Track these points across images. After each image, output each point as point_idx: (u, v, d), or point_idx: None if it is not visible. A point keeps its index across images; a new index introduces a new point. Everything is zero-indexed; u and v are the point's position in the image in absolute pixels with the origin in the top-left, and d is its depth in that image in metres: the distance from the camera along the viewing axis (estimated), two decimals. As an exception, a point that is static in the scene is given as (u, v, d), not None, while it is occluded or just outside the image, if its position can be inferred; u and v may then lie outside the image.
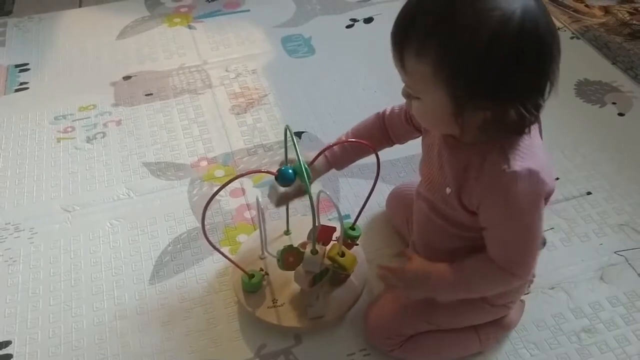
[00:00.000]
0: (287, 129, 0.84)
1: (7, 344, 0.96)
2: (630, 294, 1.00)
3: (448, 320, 0.89)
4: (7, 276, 1.05)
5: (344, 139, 0.96)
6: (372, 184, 0.94)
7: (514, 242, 0.75)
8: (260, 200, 0.96)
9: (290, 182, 0.83)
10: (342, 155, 0.95)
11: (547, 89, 0.68)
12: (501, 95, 0.65)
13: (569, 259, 1.06)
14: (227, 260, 0.99)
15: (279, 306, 0.94)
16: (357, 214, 0.99)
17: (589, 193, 1.18)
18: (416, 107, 0.73)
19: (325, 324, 0.93)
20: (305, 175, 0.80)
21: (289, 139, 0.84)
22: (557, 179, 1.18)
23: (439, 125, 0.75)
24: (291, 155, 0.86)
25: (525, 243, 0.75)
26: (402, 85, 0.72)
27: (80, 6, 1.80)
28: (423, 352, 0.90)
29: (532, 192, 0.71)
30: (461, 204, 0.76)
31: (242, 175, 0.91)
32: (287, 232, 1.05)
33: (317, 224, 0.85)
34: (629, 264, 1.05)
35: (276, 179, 0.83)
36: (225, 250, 1.07)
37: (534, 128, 0.73)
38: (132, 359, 0.93)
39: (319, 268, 0.86)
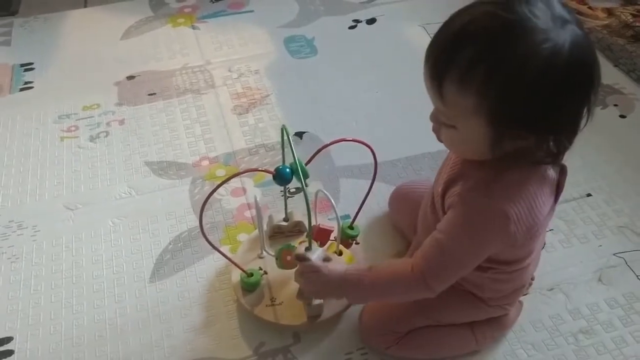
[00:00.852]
0: (283, 129, 0.85)
1: (8, 339, 0.97)
2: (629, 295, 1.00)
3: (442, 317, 0.89)
4: (10, 273, 1.06)
5: None
6: (375, 184, 0.95)
7: (444, 258, 0.74)
8: (258, 199, 0.97)
9: (287, 181, 0.84)
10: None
11: (585, 120, 0.67)
12: (542, 126, 0.65)
13: (567, 261, 1.06)
14: (226, 260, 1.01)
15: (278, 305, 0.95)
16: (364, 215, 0.99)
17: (589, 195, 1.18)
18: (449, 135, 0.71)
19: (323, 323, 0.94)
20: (302, 175, 0.81)
21: (285, 139, 0.85)
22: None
23: (469, 152, 0.73)
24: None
25: (452, 267, 0.75)
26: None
27: (85, 6, 1.82)
28: (419, 349, 0.91)
29: (493, 231, 0.71)
30: (443, 205, 0.76)
31: (239, 174, 0.93)
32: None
33: (312, 224, 0.85)
34: (628, 265, 1.05)
35: (274, 178, 0.84)
36: (225, 249, 1.08)
37: (545, 175, 0.73)
38: (131, 356, 0.94)
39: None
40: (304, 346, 0.94)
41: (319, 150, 0.90)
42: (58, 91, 1.48)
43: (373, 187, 0.99)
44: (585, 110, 0.66)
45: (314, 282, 0.83)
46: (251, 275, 0.96)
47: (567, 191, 1.17)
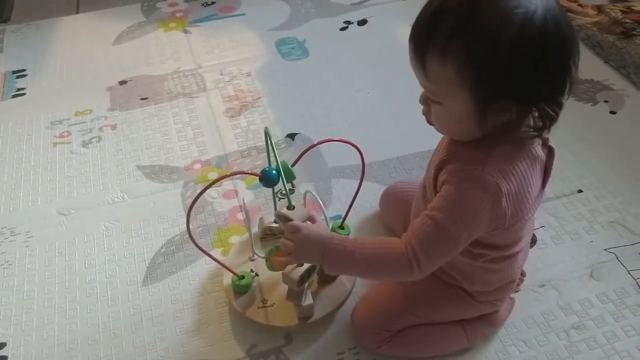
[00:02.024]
0: (266, 131, 0.86)
1: (1, 345, 0.97)
2: (620, 291, 1.01)
3: (432, 315, 0.90)
4: (3, 279, 1.07)
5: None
6: (366, 184, 0.96)
7: (436, 236, 0.72)
8: (249, 202, 0.98)
9: (273, 183, 0.85)
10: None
11: (568, 88, 0.68)
12: (526, 95, 0.65)
13: (559, 257, 1.06)
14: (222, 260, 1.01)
15: (269, 306, 0.95)
16: (357, 216, 1.00)
17: (580, 191, 1.18)
18: (437, 112, 0.72)
19: (314, 324, 0.94)
20: (283, 175, 0.82)
21: (268, 141, 0.85)
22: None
23: (458, 130, 0.73)
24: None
25: (443, 246, 0.73)
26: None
27: (77, 12, 1.82)
28: (410, 347, 0.91)
29: (485, 203, 0.70)
30: (435, 187, 0.76)
31: (223, 178, 0.93)
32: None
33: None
34: (619, 261, 1.05)
35: (260, 180, 0.85)
36: (217, 251, 1.09)
37: (535, 153, 0.73)
38: (122, 358, 0.94)
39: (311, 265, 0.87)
40: (295, 347, 0.95)
41: (305, 151, 0.90)
42: (50, 97, 1.49)
43: (365, 186, 0.99)
44: (567, 79, 0.67)
45: (295, 242, 0.78)
46: (242, 277, 0.96)
47: (558, 187, 1.18)
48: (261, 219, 1.06)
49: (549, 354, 0.93)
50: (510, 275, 0.88)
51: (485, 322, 0.93)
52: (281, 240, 0.81)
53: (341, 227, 1.02)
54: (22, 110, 1.45)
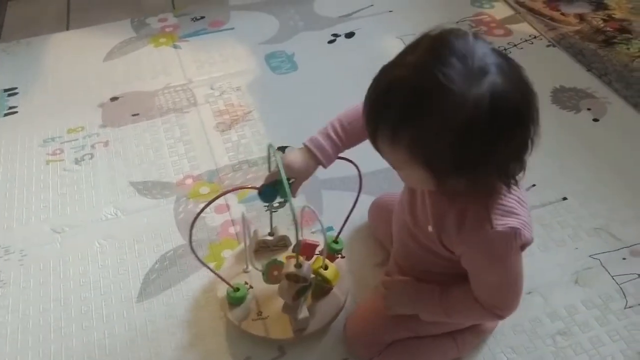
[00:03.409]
0: (269, 148, 0.87)
1: (-2, 364, 0.98)
2: (604, 296, 1.03)
3: (425, 328, 0.92)
4: (-2, 298, 1.08)
5: (333, 125, 0.93)
6: (354, 196, 0.98)
7: (498, 291, 0.80)
8: (245, 215, 1.00)
9: (273, 198, 0.87)
10: (333, 150, 0.91)
11: (529, 149, 0.69)
12: (481, 167, 0.67)
13: (545, 264, 1.08)
14: (212, 276, 1.04)
15: (264, 318, 0.97)
16: (339, 227, 1.02)
17: (564, 198, 1.21)
18: (403, 176, 0.77)
19: (309, 336, 0.96)
20: (289, 192, 0.83)
21: (278, 159, 0.86)
22: (534, 185, 1.22)
23: (424, 188, 0.78)
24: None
25: (509, 290, 0.80)
26: None
27: (67, 29, 1.84)
28: (402, 358, 0.93)
29: (514, 247, 0.74)
30: (442, 243, 0.79)
31: (227, 192, 0.94)
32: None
33: (300, 239, 0.88)
34: (603, 267, 1.08)
35: (259, 194, 0.87)
36: (210, 266, 1.10)
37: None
38: (120, 376, 0.96)
39: (309, 281, 0.89)
40: (289, 359, 0.96)
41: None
42: (42, 115, 1.50)
43: (354, 198, 1.01)
44: (526, 143, 0.68)
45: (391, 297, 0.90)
46: (237, 290, 0.98)
47: (544, 195, 1.21)
48: (255, 232, 1.08)
49: (535, 359, 0.95)
50: None
51: (474, 332, 0.95)
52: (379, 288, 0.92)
53: (335, 241, 1.04)
54: (15, 129, 1.46)
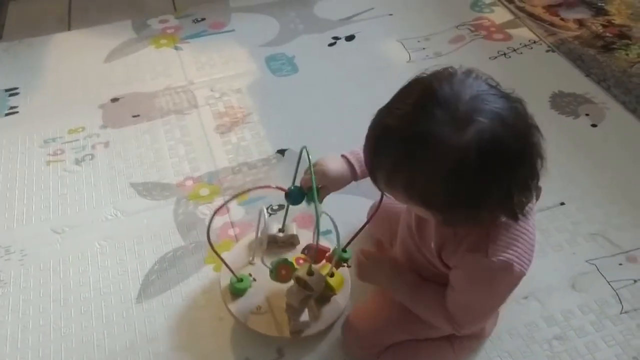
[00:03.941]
0: (302, 149, 0.89)
1: (-2, 364, 0.99)
2: (601, 301, 1.04)
3: (423, 332, 0.92)
4: (-2, 298, 1.09)
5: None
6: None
7: (467, 310, 0.82)
8: (264, 211, 1.01)
9: (299, 202, 0.88)
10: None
11: (535, 181, 0.70)
12: (480, 204, 0.67)
13: (542, 269, 1.09)
14: (212, 277, 1.06)
15: (262, 314, 0.98)
16: (343, 233, 1.01)
17: (562, 204, 1.22)
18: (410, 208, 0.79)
19: (305, 338, 0.96)
20: (316, 198, 0.85)
21: (305, 160, 0.89)
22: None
23: (428, 218, 0.77)
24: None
25: (478, 314, 0.83)
26: (385, 100, 0.72)
27: (69, 29, 1.84)
28: (399, 362, 0.94)
29: (502, 280, 0.75)
30: (440, 259, 0.80)
31: (255, 189, 0.95)
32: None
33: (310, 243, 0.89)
34: (600, 272, 1.09)
35: (286, 196, 0.89)
36: (209, 267, 1.11)
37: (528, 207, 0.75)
38: (119, 376, 0.97)
39: (315, 290, 0.90)
40: (287, 360, 0.97)
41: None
42: (43, 115, 1.50)
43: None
44: (525, 178, 0.68)
45: (368, 266, 0.92)
46: (241, 280, 0.99)
47: (541, 200, 1.19)
48: (264, 228, 1.08)
49: (532, 364, 0.96)
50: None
51: (471, 337, 0.95)
52: (358, 256, 0.92)
53: (344, 250, 1.04)
54: (16, 129, 1.47)
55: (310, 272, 0.90)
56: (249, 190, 0.93)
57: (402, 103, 0.68)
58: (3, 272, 1.13)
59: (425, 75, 0.69)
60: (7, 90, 1.59)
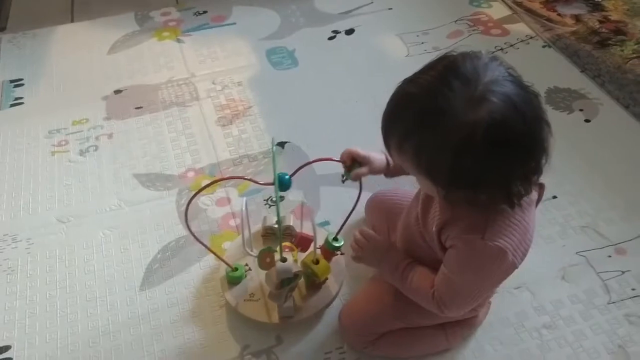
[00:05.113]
0: (273, 144, 0.92)
1: (7, 348, 1.02)
2: (589, 292, 1.07)
3: (417, 320, 0.96)
4: (6, 285, 1.12)
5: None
6: (350, 192, 1.01)
7: (455, 292, 0.83)
8: (237, 209, 1.04)
9: (286, 187, 0.92)
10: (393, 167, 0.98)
11: (540, 168, 0.72)
12: (481, 187, 0.70)
13: (534, 260, 1.10)
14: (213, 266, 1.10)
15: (255, 300, 1.02)
16: (340, 225, 1.05)
17: (554, 197, 1.25)
18: (418, 181, 0.80)
19: (297, 323, 1.00)
20: (277, 184, 0.89)
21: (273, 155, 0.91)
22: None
23: (431, 194, 0.80)
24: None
25: (464, 297, 0.84)
26: (384, 96, 0.75)
27: (72, 21, 1.87)
28: (394, 349, 0.98)
29: (493, 265, 0.78)
30: (439, 241, 0.83)
31: (232, 178, 1.01)
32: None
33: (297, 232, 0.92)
34: (589, 263, 1.12)
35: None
36: (211, 257, 1.14)
37: (528, 201, 0.78)
38: (123, 361, 1.00)
39: (291, 274, 0.94)
40: (286, 347, 1.01)
41: (302, 166, 0.97)
42: (48, 106, 1.53)
43: (352, 194, 1.04)
44: (529, 161, 0.71)
45: (364, 248, 0.94)
46: (236, 269, 1.03)
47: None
48: (265, 218, 1.13)
49: (522, 352, 0.99)
50: (492, 295, 0.96)
51: (464, 325, 0.99)
52: (353, 240, 0.95)
53: (335, 238, 1.07)
54: (21, 120, 1.50)
55: (283, 260, 0.95)
56: (219, 180, 1.02)
57: (426, 74, 0.71)
58: (10, 260, 1.16)
59: (453, 52, 0.72)
60: (12, 81, 1.62)
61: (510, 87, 0.68)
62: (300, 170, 1.28)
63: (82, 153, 1.39)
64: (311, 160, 0.99)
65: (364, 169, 0.95)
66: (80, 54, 1.71)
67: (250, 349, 1.01)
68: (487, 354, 0.99)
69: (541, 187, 0.83)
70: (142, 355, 1.01)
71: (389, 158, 0.95)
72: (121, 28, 1.81)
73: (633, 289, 1.08)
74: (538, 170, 0.73)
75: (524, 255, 0.80)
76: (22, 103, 1.55)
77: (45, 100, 1.56)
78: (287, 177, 0.91)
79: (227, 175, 1.32)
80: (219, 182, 1.30)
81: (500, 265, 0.78)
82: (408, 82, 0.73)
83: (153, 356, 1.01)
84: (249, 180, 0.96)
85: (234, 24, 1.82)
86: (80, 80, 1.62)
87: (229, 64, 1.66)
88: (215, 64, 1.66)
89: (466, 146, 0.67)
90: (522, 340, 1.01)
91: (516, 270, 1.07)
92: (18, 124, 1.48)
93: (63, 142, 1.42)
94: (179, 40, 1.75)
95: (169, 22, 1.83)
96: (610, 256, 1.13)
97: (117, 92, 1.57)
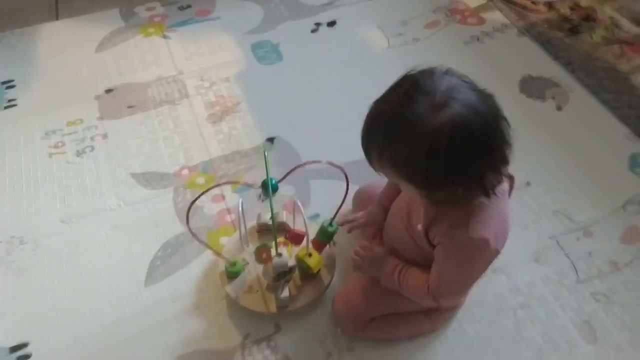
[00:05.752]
0: (264, 150, 1.00)
1: (25, 345, 1.10)
2: (559, 272, 1.17)
3: (404, 306, 1.05)
4: (17, 285, 1.19)
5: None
6: (340, 184, 1.09)
7: (447, 282, 0.94)
8: (232, 205, 1.11)
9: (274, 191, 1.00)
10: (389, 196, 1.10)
11: (506, 158, 0.81)
12: (456, 182, 0.80)
13: (509, 245, 1.18)
14: (212, 261, 1.18)
15: (254, 292, 1.11)
16: (333, 212, 1.13)
17: (528, 183, 1.33)
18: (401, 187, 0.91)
19: (293, 312, 1.09)
20: (270, 189, 0.99)
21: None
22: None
23: (415, 197, 0.89)
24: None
25: (456, 285, 0.96)
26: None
27: (57, 19, 1.89)
28: (383, 331, 1.07)
29: (479, 255, 0.88)
30: (427, 239, 0.92)
31: (224, 184, 1.07)
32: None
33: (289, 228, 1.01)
34: (560, 246, 1.22)
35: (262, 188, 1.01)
36: (209, 252, 1.21)
37: (502, 191, 0.88)
38: (133, 352, 1.08)
39: (287, 268, 1.04)
40: (284, 334, 1.10)
41: (293, 169, 1.05)
42: (41, 107, 1.57)
43: (340, 186, 1.12)
44: (496, 155, 0.80)
45: (364, 260, 1.04)
46: (234, 264, 1.11)
47: None
48: (259, 215, 1.21)
49: (499, 331, 1.09)
50: None
51: (446, 308, 1.08)
52: (353, 251, 1.06)
53: (330, 224, 1.15)
54: (16, 122, 1.54)
55: (279, 254, 1.04)
56: (215, 186, 1.10)
57: (393, 93, 0.82)
58: (19, 261, 1.23)
59: (413, 72, 0.82)
60: (3, 83, 1.65)
61: (466, 91, 0.78)
62: (290, 167, 1.35)
63: (78, 154, 1.45)
64: (299, 164, 1.07)
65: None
66: (68, 52, 1.74)
67: (251, 337, 1.09)
68: (468, 333, 1.09)
69: (511, 179, 0.93)
70: (150, 348, 1.09)
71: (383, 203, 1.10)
72: (107, 25, 1.84)
73: (599, 269, 1.18)
74: (504, 160, 0.82)
75: (505, 241, 0.90)
76: (15, 105, 1.59)
77: (39, 101, 1.59)
78: (274, 182, 1.00)
79: (221, 172, 1.39)
80: (212, 181, 1.37)
81: (485, 254, 0.88)
82: (379, 102, 0.83)
83: (160, 348, 1.09)
84: (245, 184, 1.04)
85: (218, 18, 1.86)
86: (71, 79, 1.66)
87: (215, 60, 1.70)
88: (202, 60, 1.70)
89: (436, 148, 0.76)
90: (499, 320, 1.11)
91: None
92: (13, 126, 1.52)
93: (59, 144, 1.47)
94: (165, 37, 1.79)
95: (154, 18, 1.86)
96: (578, 239, 1.23)
97: (108, 91, 1.62)
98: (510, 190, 0.94)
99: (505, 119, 0.81)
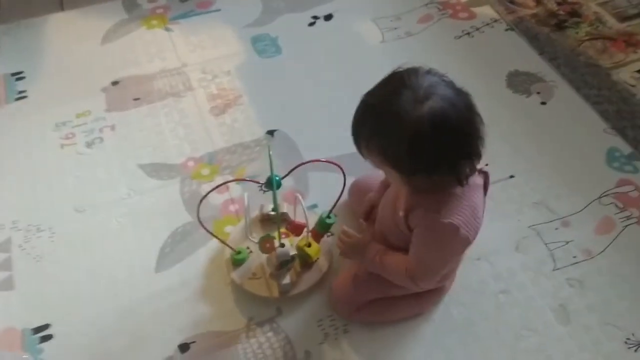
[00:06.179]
0: (268, 150, 1.08)
1: (46, 326, 1.19)
2: (538, 261, 1.27)
3: (394, 291, 1.15)
4: (38, 271, 1.28)
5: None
6: (337, 177, 1.18)
7: (423, 265, 1.03)
8: (236, 195, 1.21)
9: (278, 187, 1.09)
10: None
11: (478, 151, 0.91)
12: (434, 169, 0.89)
13: (492, 234, 1.30)
14: (218, 249, 1.27)
15: (257, 278, 1.21)
16: (330, 205, 1.22)
17: (512, 176, 1.43)
18: (385, 174, 1.02)
19: (293, 297, 1.19)
20: (275, 185, 1.07)
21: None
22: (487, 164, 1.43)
23: (398, 184, 0.99)
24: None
25: (430, 267, 1.04)
26: (363, 80, 0.95)
27: (62, 10, 1.94)
28: (375, 315, 1.18)
29: (449, 239, 0.97)
30: (407, 225, 1.02)
31: (233, 181, 1.20)
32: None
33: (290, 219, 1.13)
34: (539, 236, 1.31)
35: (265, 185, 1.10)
36: (215, 240, 1.30)
37: (475, 185, 0.98)
38: (148, 334, 1.18)
39: (289, 257, 1.15)
40: (285, 316, 1.20)
41: (295, 168, 1.13)
42: (51, 99, 1.64)
43: (337, 178, 1.20)
44: (470, 147, 0.90)
45: (346, 244, 1.14)
46: (239, 252, 1.21)
47: (494, 174, 1.38)
48: (262, 206, 1.31)
49: (481, 314, 1.20)
50: (458, 266, 1.16)
51: (433, 293, 1.18)
52: (338, 239, 1.16)
53: (328, 216, 1.24)
54: (27, 113, 1.61)
55: (281, 245, 1.16)
56: (224, 183, 1.24)
57: (381, 88, 0.92)
58: (37, 248, 1.32)
59: (400, 69, 0.93)
60: (13, 75, 1.72)
61: (445, 89, 0.89)
62: (290, 159, 1.44)
63: (88, 145, 1.53)
64: (302, 162, 1.17)
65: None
66: (74, 44, 1.81)
67: (255, 320, 1.19)
68: (453, 316, 1.19)
69: (486, 175, 1.04)
70: (163, 329, 1.19)
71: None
72: (110, 16, 1.90)
73: (574, 257, 1.28)
74: (477, 152, 0.92)
75: (476, 231, 1.00)
76: (25, 97, 1.66)
77: (48, 93, 1.66)
78: (277, 178, 1.09)
79: (224, 164, 1.47)
80: (217, 172, 1.45)
81: (454, 238, 0.96)
82: (369, 95, 0.94)
83: (172, 329, 1.19)
84: (251, 181, 1.14)
85: (219, 10, 1.92)
86: (78, 71, 1.72)
87: (217, 52, 1.77)
88: (205, 53, 1.77)
89: (418, 137, 0.86)
90: (482, 304, 1.21)
91: (477, 244, 1.28)
92: (25, 118, 1.59)
93: (70, 135, 1.55)
94: (167, 29, 1.85)
95: (156, 10, 1.92)
96: (557, 229, 1.33)
97: (115, 83, 1.69)
98: (486, 186, 1.04)
99: (479, 115, 0.91)
